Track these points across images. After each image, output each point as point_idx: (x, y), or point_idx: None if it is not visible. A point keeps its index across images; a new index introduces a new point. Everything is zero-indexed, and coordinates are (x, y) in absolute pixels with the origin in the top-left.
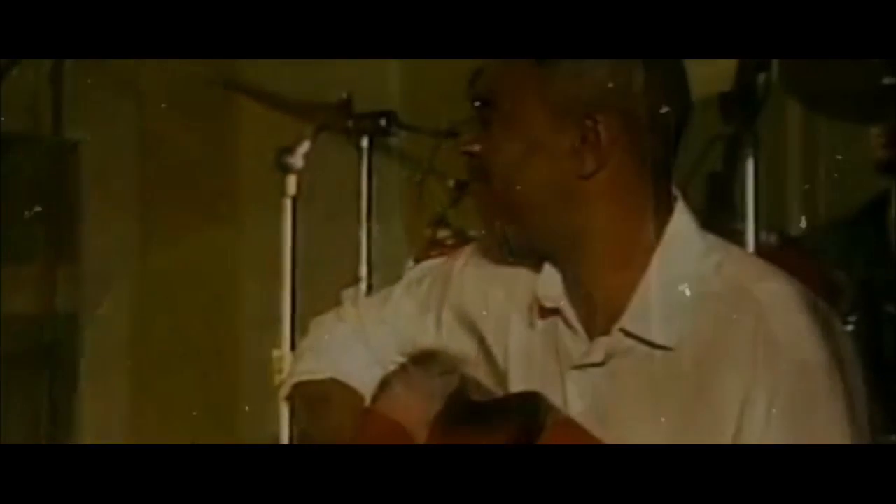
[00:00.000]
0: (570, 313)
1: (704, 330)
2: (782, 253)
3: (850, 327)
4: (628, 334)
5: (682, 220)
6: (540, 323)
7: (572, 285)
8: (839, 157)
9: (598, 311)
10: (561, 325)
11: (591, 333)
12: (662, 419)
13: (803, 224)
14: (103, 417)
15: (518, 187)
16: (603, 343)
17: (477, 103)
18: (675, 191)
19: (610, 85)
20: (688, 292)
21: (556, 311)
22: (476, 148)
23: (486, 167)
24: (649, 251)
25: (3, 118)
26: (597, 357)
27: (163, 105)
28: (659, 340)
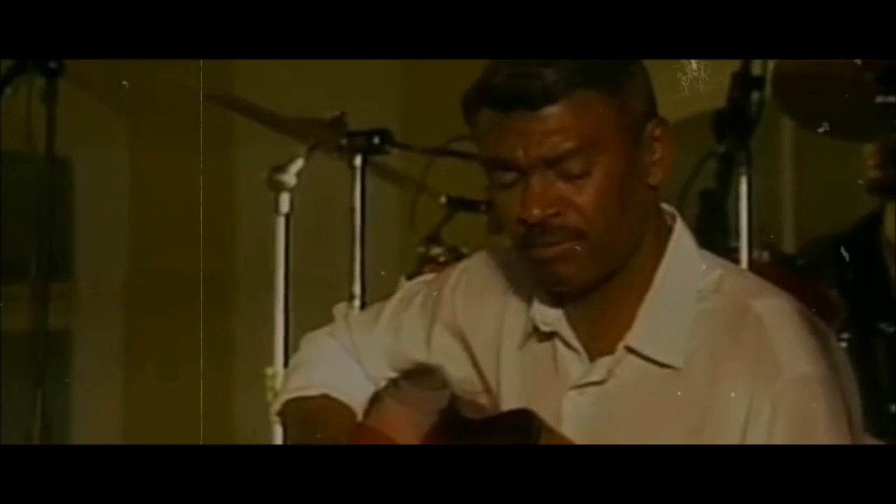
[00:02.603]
0: (568, 335)
1: (707, 347)
2: (775, 271)
3: (842, 345)
4: (634, 353)
5: (682, 238)
6: (535, 345)
7: (571, 305)
8: (831, 174)
9: (601, 329)
10: (560, 345)
11: (592, 353)
12: (664, 436)
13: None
14: (95, 434)
15: (621, 223)
16: (606, 362)
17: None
18: (672, 209)
19: (649, 91)
20: (691, 310)
21: (552, 334)
22: (552, 210)
23: (577, 222)
24: (653, 268)
25: None
26: (598, 376)
27: (155, 124)
28: (666, 360)
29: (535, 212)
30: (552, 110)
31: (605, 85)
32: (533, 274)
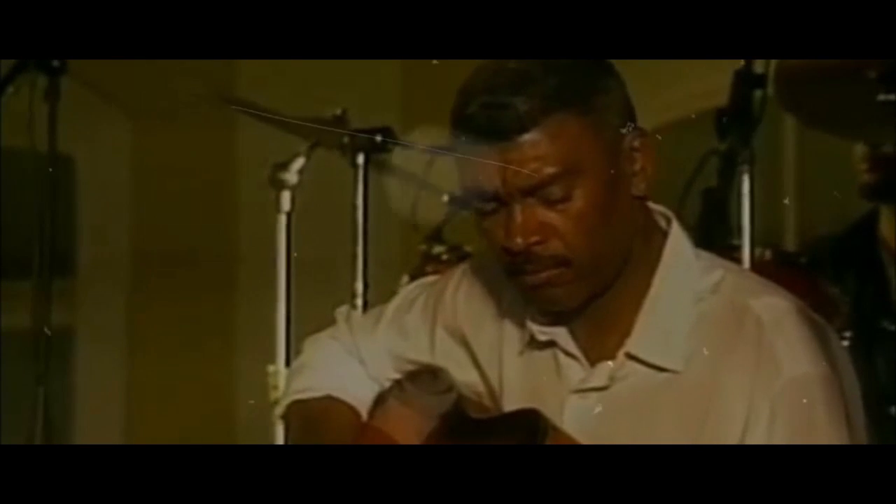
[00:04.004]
0: (566, 343)
1: (706, 349)
2: (777, 269)
3: (844, 343)
4: (634, 358)
5: (678, 241)
6: (535, 351)
7: (568, 313)
8: (833, 173)
9: (600, 335)
10: (559, 351)
11: (592, 358)
12: (665, 439)
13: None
14: (97, 430)
15: (607, 242)
16: (607, 368)
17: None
18: (668, 211)
19: (625, 102)
20: (690, 312)
21: (551, 343)
22: (535, 239)
23: (561, 250)
24: (650, 273)
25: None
26: (599, 382)
27: (157, 122)
28: (666, 364)
29: (519, 241)
30: (527, 138)
31: (579, 106)
32: (525, 298)
